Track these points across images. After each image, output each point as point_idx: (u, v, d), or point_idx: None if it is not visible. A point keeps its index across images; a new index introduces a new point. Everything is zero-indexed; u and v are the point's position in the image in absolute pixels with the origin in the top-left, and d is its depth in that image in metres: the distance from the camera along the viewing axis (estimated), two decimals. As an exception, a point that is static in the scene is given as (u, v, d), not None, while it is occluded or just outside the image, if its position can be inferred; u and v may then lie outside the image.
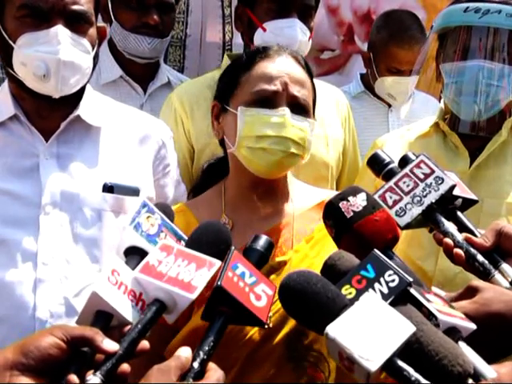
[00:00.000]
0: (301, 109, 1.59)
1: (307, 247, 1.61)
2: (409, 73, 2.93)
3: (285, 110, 1.56)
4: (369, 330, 0.90)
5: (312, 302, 0.97)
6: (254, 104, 1.58)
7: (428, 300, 1.01)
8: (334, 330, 0.91)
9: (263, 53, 1.63)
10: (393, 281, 1.00)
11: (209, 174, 1.79)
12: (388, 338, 0.89)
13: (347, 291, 1.00)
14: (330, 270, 1.09)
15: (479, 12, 1.84)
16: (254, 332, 1.51)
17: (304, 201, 1.68)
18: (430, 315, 0.99)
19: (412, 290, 1.02)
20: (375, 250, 1.05)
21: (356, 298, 0.98)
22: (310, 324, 0.99)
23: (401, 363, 0.89)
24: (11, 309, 1.61)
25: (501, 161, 1.94)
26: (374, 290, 0.99)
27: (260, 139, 1.57)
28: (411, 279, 1.01)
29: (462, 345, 0.98)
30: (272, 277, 1.55)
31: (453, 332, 0.99)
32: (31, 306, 1.62)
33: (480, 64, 1.85)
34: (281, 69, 1.59)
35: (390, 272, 1.01)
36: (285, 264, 1.58)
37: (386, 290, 0.99)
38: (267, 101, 1.57)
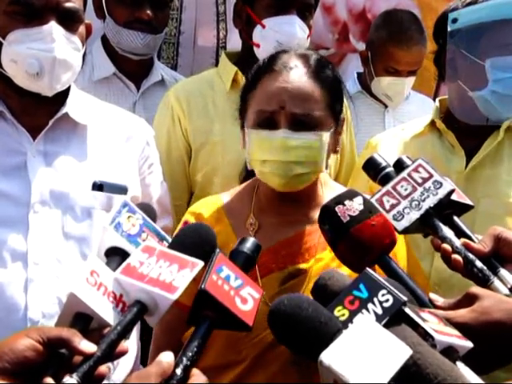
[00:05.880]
0: (305, 124, 1.53)
1: (330, 256, 1.56)
2: (406, 74, 2.93)
3: (284, 132, 1.51)
4: (364, 355, 0.87)
5: (304, 328, 0.95)
6: (257, 125, 1.55)
7: (423, 319, 0.99)
8: (328, 357, 0.88)
9: (268, 67, 1.58)
10: (387, 301, 0.98)
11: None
12: (384, 362, 0.86)
13: (340, 313, 0.97)
14: (322, 290, 1.07)
15: None
16: (266, 334, 1.50)
17: None
18: (426, 335, 0.96)
19: (407, 310, 0.99)
20: (367, 269, 1.03)
21: (349, 319, 0.96)
22: (303, 351, 0.96)
23: None
24: (2, 310, 1.59)
25: (497, 161, 1.93)
26: (368, 310, 0.97)
27: (264, 163, 1.56)
28: (406, 298, 0.99)
29: (460, 365, 0.96)
30: (289, 284, 1.55)
31: (450, 352, 0.96)
32: (23, 307, 1.60)
33: None
34: (281, 85, 1.53)
35: (384, 291, 0.99)
36: (305, 272, 1.56)
37: (380, 311, 0.97)
38: (267, 121, 1.53)
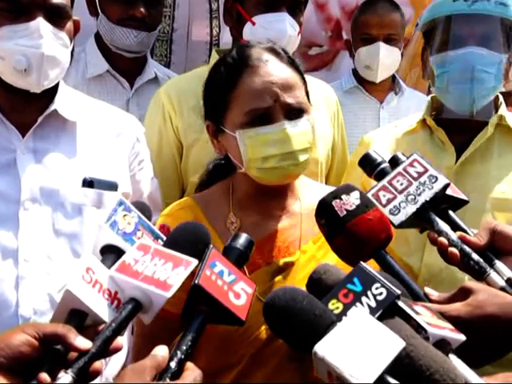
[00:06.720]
0: (297, 112, 1.54)
1: (314, 248, 1.59)
2: (382, 39, 2.97)
3: (283, 124, 1.51)
4: (358, 347, 0.88)
5: (299, 320, 0.96)
6: (249, 124, 1.52)
7: (417, 312, 1.00)
8: (322, 348, 0.89)
9: (244, 64, 1.56)
10: (380, 294, 0.99)
11: (215, 172, 1.75)
12: (378, 354, 0.87)
13: (334, 306, 0.99)
14: (316, 283, 1.08)
15: (469, 0, 1.87)
16: (261, 330, 1.50)
17: (311, 199, 1.64)
18: (419, 328, 0.97)
19: (400, 303, 1.00)
20: (361, 263, 1.04)
21: (343, 312, 0.97)
22: (297, 343, 0.97)
23: (392, 380, 0.87)
24: (-7, 307, 1.58)
25: (487, 156, 1.94)
26: (362, 303, 0.98)
27: (266, 160, 1.53)
28: (399, 292, 1.00)
29: (453, 357, 0.97)
30: (279, 277, 1.55)
31: (443, 344, 0.98)
32: (14, 304, 1.59)
33: (472, 51, 1.86)
34: (267, 79, 1.52)
35: (378, 285, 1.00)
36: (292, 265, 1.56)
37: (373, 304, 0.98)
38: (262, 117, 1.52)
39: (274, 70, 1.55)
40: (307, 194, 1.67)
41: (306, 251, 1.59)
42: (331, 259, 1.42)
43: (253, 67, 1.54)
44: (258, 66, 1.54)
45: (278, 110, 1.52)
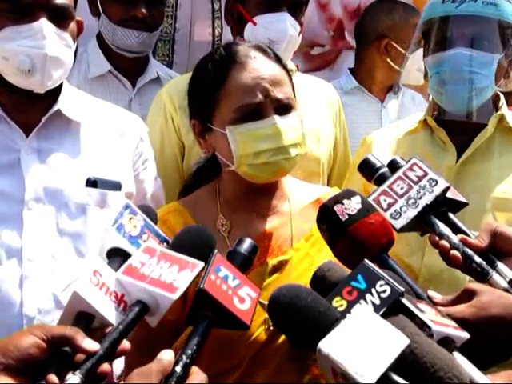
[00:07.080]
0: (287, 108, 1.55)
1: (307, 245, 1.59)
2: None
3: (274, 119, 1.52)
4: (362, 344, 0.88)
5: (303, 317, 0.96)
6: (240, 120, 1.52)
7: (421, 310, 1.00)
8: (326, 345, 0.89)
9: (232, 61, 1.56)
10: (384, 291, 0.99)
11: (199, 175, 1.76)
12: (382, 351, 0.87)
13: (338, 303, 0.99)
14: (320, 281, 1.08)
15: (456, 1, 1.87)
16: (260, 331, 1.51)
17: (300, 198, 1.67)
18: (423, 326, 0.98)
19: (404, 301, 1.00)
20: (365, 260, 1.04)
21: (347, 310, 0.97)
22: (301, 340, 0.97)
23: (396, 377, 0.87)
24: (-3, 306, 1.59)
25: (487, 156, 1.94)
26: (366, 301, 0.98)
27: (258, 155, 1.54)
28: (403, 289, 1.00)
29: (457, 355, 0.97)
30: (273, 277, 1.55)
31: (447, 342, 0.98)
32: (18, 303, 1.61)
33: (461, 52, 1.86)
34: (256, 75, 1.53)
35: (382, 282, 1.00)
36: (286, 263, 1.57)
37: (377, 301, 0.98)
38: (253, 113, 1.52)
39: (262, 66, 1.56)
40: (296, 193, 1.68)
41: (299, 249, 1.59)
42: (325, 256, 1.43)
43: (241, 63, 1.55)
44: (246, 62, 1.55)
45: (269, 105, 1.53)
